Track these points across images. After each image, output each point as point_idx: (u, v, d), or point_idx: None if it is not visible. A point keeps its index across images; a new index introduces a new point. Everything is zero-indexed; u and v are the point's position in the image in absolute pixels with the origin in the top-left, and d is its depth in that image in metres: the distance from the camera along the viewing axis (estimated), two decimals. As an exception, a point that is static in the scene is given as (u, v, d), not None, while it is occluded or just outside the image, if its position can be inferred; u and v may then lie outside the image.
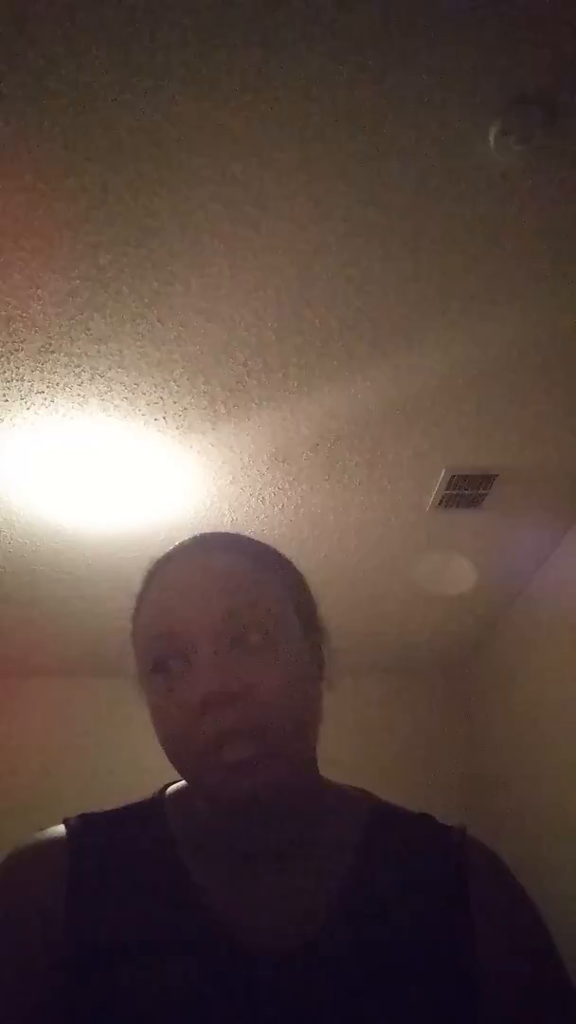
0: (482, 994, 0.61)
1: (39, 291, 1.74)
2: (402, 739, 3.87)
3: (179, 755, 0.60)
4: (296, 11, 1.27)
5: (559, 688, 2.96)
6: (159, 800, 0.71)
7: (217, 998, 0.57)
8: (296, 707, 0.61)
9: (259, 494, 2.53)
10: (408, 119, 1.43)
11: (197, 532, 0.71)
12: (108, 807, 0.71)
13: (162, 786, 0.73)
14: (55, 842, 0.65)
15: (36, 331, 1.85)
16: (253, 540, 0.70)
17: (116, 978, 0.58)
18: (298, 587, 0.69)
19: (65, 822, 0.67)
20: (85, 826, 0.67)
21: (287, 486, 2.50)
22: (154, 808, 0.70)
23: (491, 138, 1.45)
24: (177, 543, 0.69)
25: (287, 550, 0.72)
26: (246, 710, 0.57)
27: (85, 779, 3.49)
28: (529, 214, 1.62)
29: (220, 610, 0.60)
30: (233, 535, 0.71)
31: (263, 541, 0.71)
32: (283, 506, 2.60)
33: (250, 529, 2.65)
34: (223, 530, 0.74)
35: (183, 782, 0.71)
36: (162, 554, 0.69)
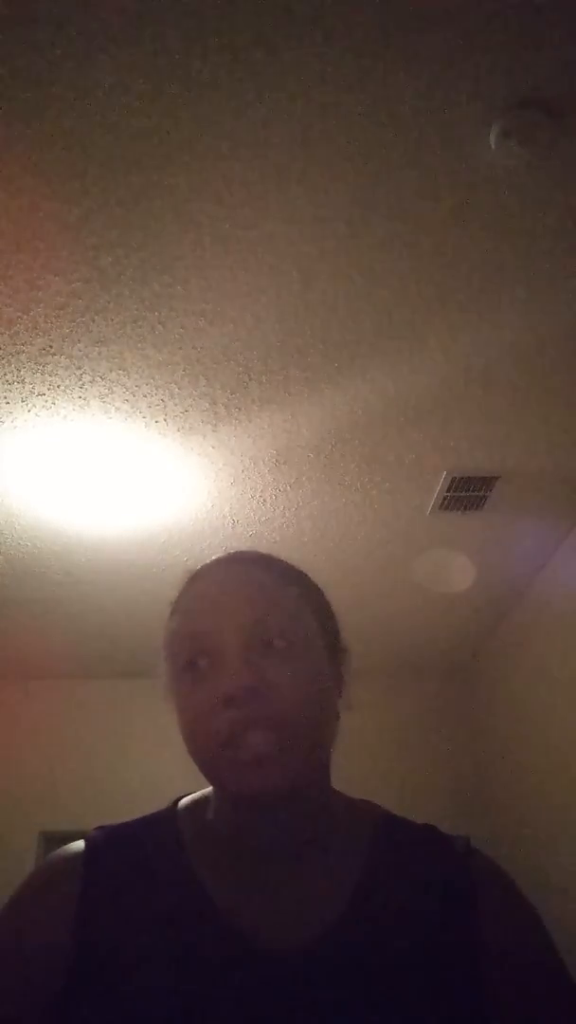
0: (487, 1000, 0.62)
1: (40, 293, 1.74)
2: (403, 741, 3.86)
3: (201, 748, 0.64)
4: (296, 13, 1.27)
5: (560, 690, 2.95)
6: (171, 812, 0.74)
7: (231, 1003, 0.59)
8: (314, 709, 0.65)
9: (260, 495, 2.53)
10: (409, 121, 1.44)
11: (231, 549, 0.76)
12: (118, 813, 0.74)
13: (174, 799, 0.76)
14: (72, 857, 0.68)
15: (37, 333, 1.85)
16: (283, 561, 0.76)
17: (131, 987, 0.59)
18: (323, 607, 0.75)
19: (85, 837, 0.70)
20: (102, 840, 0.70)
21: (288, 488, 2.50)
22: (167, 820, 0.72)
23: (492, 140, 1.46)
24: (212, 558, 0.75)
25: (288, 552, 0.74)
26: (267, 704, 0.61)
27: (88, 781, 3.48)
28: (530, 216, 1.62)
29: (249, 616, 0.65)
30: (265, 554, 0.76)
31: (293, 563, 0.76)
32: (284, 508, 2.60)
33: (250, 531, 2.66)
34: (227, 533, 0.77)
35: (194, 795, 0.75)
36: (197, 568, 0.74)
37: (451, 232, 1.66)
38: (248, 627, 0.65)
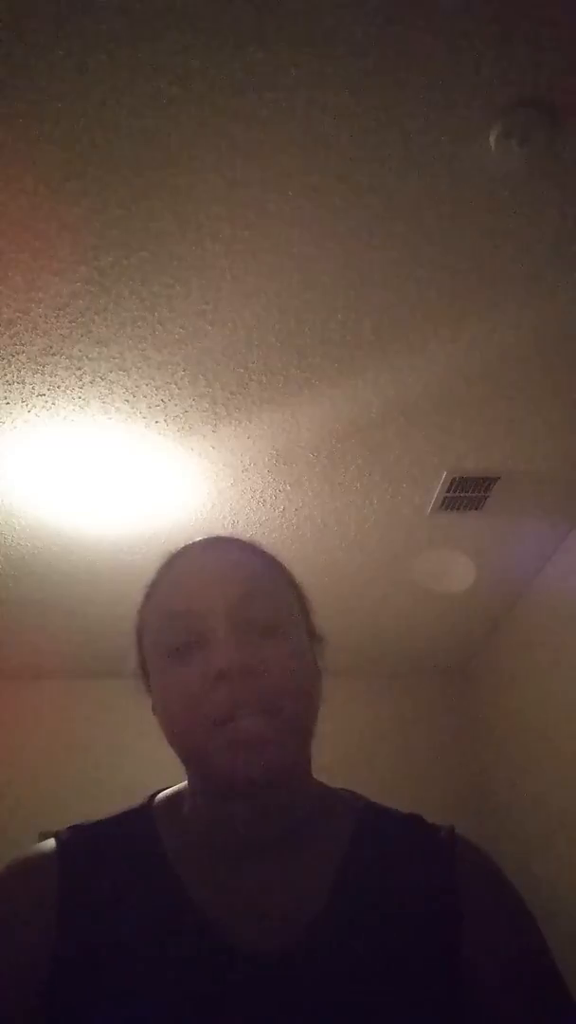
0: (471, 990, 0.61)
1: (40, 294, 1.74)
2: (403, 741, 3.86)
3: (188, 731, 0.61)
4: (296, 14, 1.27)
5: (561, 690, 2.95)
6: (148, 807, 0.71)
7: (211, 1000, 0.58)
8: (303, 692, 0.64)
9: (260, 496, 2.53)
10: (409, 122, 1.44)
11: (205, 534, 0.74)
12: (105, 812, 0.71)
13: (150, 794, 0.73)
14: (45, 856, 0.65)
15: (37, 334, 1.85)
16: (256, 543, 0.73)
17: (111, 988, 0.58)
18: (301, 593, 0.73)
19: (56, 835, 0.67)
20: (75, 838, 0.67)
21: (288, 488, 2.50)
22: (143, 816, 0.70)
23: (492, 141, 1.46)
24: (189, 541, 0.72)
25: (288, 552, 0.74)
26: (261, 684, 0.60)
27: (87, 781, 3.48)
28: (530, 216, 1.63)
29: (237, 594, 0.64)
30: (238, 537, 0.74)
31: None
32: (284, 508, 2.60)
33: (251, 531, 2.66)
34: (224, 533, 0.77)
35: (170, 789, 0.72)
36: (175, 550, 0.72)
37: (451, 232, 1.65)
38: (237, 607, 0.63)
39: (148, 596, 0.71)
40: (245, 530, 2.66)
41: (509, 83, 1.38)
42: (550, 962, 0.64)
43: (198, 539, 0.73)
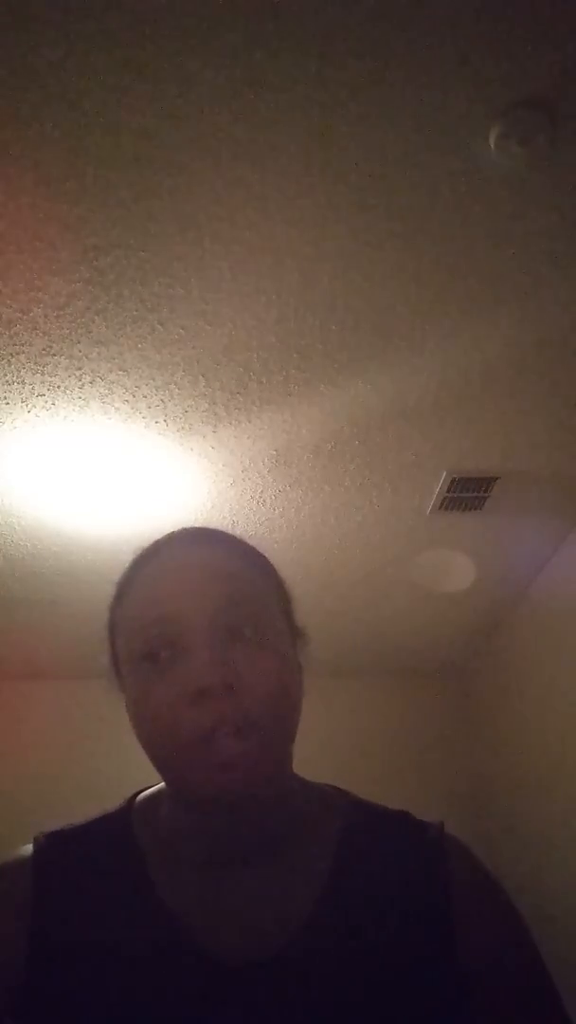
0: (462, 989, 0.60)
1: (40, 294, 1.74)
2: (403, 742, 3.86)
3: (165, 748, 0.58)
4: (296, 14, 1.27)
5: (560, 690, 2.95)
6: (127, 810, 0.69)
7: (187, 1012, 0.56)
8: (285, 703, 0.61)
9: (260, 496, 2.53)
10: (409, 121, 1.43)
11: (180, 526, 0.70)
12: (97, 813, 0.70)
13: (130, 796, 0.71)
14: (19, 863, 0.64)
15: (37, 334, 1.85)
16: (236, 536, 0.70)
17: (86, 996, 0.57)
18: (280, 585, 0.69)
19: (35, 840, 0.66)
20: (51, 844, 0.65)
21: (288, 488, 2.50)
22: (121, 821, 0.68)
23: (492, 141, 1.46)
24: (162, 535, 0.68)
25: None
26: (241, 703, 0.56)
27: (87, 781, 3.48)
28: (530, 217, 1.62)
29: (216, 601, 0.60)
30: (217, 530, 0.70)
31: (244, 538, 0.70)
32: (284, 508, 2.60)
33: (251, 531, 2.65)
34: (200, 524, 0.73)
35: (151, 789, 0.70)
36: (147, 544, 0.68)
37: (451, 232, 1.65)
38: (215, 612, 0.59)
39: (120, 595, 0.67)
40: (245, 530, 2.66)
41: (509, 83, 1.37)
42: (536, 954, 0.63)
43: (174, 531, 0.68)
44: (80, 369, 1.96)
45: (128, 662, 0.62)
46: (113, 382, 2.00)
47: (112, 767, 3.52)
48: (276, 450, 2.31)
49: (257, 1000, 0.56)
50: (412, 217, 1.62)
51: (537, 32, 1.30)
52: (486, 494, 2.56)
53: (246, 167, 1.50)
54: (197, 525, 0.71)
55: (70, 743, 3.72)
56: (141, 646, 0.60)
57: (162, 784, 0.69)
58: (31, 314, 1.79)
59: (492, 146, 1.46)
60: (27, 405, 2.06)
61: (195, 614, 0.59)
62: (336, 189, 1.55)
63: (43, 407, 2.07)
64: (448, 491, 2.52)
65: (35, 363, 1.93)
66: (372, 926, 0.61)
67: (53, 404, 2.06)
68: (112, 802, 0.72)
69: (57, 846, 0.65)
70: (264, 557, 0.69)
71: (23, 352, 1.90)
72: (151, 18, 1.26)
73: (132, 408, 2.09)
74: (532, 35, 1.31)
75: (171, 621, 0.59)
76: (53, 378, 1.98)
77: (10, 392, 2.01)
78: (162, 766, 0.60)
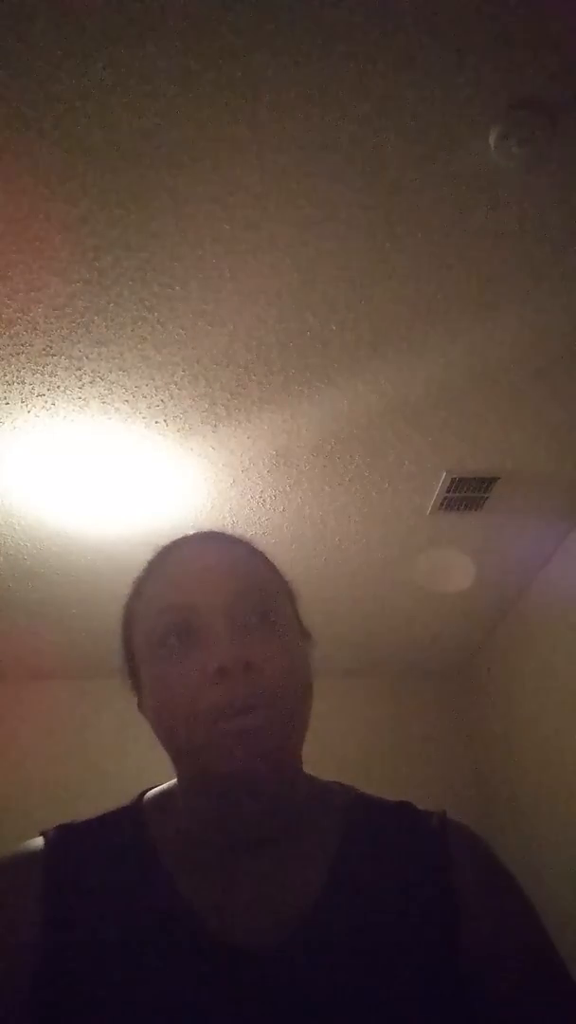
0: (469, 975, 0.61)
1: (40, 294, 1.74)
2: (403, 741, 3.86)
3: (185, 724, 0.61)
4: (295, 15, 1.27)
5: (560, 690, 2.95)
6: (137, 805, 0.71)
7: (206, 999, 0.57)
8: (297, 682, 0.64)
9: (260, 496, 2.53)
10: (409, 122, 1.43)
11: (180, 526, 0.75)
12: (96, 812, 0.70)
13: (139, 793, 0.72)
14: (31, 856, 0.65)
15: (37, 334, 1.85)
16: (246, 538, 0.74)
17: (102, 985, 0.57)
18: (289, 588, 0.73)
19: (43, 834, 0.67)
20: (62, 837, 0.66)
21: (288, 489, 2.50)
22: (132, 815, 0.69)
23: (491, 141, 1.46)
24: (181, 535, 0.73)
25: (288, 552, 0.74)
26: (259, 680, 0.60)
27: (87, 781, 3.48)
28: (529, 217, 1.62)
29: (232, 588, 0.64)
30: (230, 533, 0.74)
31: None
32: (284, 508, 2.60)
33: (251, 531, 2.65)
34: (216, 528, 0.77)
35: (160, 787, 0.72)
36: (166, 544, 0.72)
37: (451, 232, 1.65)
38: (234, 601, 0.63)
39: (138, 590, 0.71)
40: (245, 530, 2.65)
41: (509, 83, 1.37)
42: (546, 937, 0.64)
43: (190, 533, 0.73)
44: (80, 369, 1.96)
45: (147, 649, 0.66)
46: (113, 382, 2.00)
47: (112, 766, 3.52)
48: (276, 450, 2.31)
49: (272, 984, 0.58)
50: (412, 216, 1.62)
51: (537, 32, 1.30)
52: (486, 494, 2.56)
53: (245, 168, 1.50)
54: (206, 528, 0.75)
55: (70, 743, 3.72)
56: (161, 631, 0.64)
57: (171, 782, 0.70)
58: (31, 314, 1.79)
59: (492, 146, 1.46)
60: (27, 405, 2.06)
61: (212, 602, 0.63)
62: (335, 190, 1.55)
63: (43, 407, 2.07)
64: (448, 491, 2.53)
65: (35, 363, 1.93)
66: (378, 909, 0.62)
67: (53, 404, 2.06)
68: (113, 802, 0.72)
69: (68, 838, 0.66)
70: (273, 563, 0.73)
71: (23, 352, 1.90)
72: (151, 18, 1.26)
73: (132, 408, 2.09)
74: (532, 35, 1.31)
75: (190, 608, 0.63)
76: (53, 378, 1.98)
77: (10, 392, 2.01)
78: (182, 745, 0.62)
